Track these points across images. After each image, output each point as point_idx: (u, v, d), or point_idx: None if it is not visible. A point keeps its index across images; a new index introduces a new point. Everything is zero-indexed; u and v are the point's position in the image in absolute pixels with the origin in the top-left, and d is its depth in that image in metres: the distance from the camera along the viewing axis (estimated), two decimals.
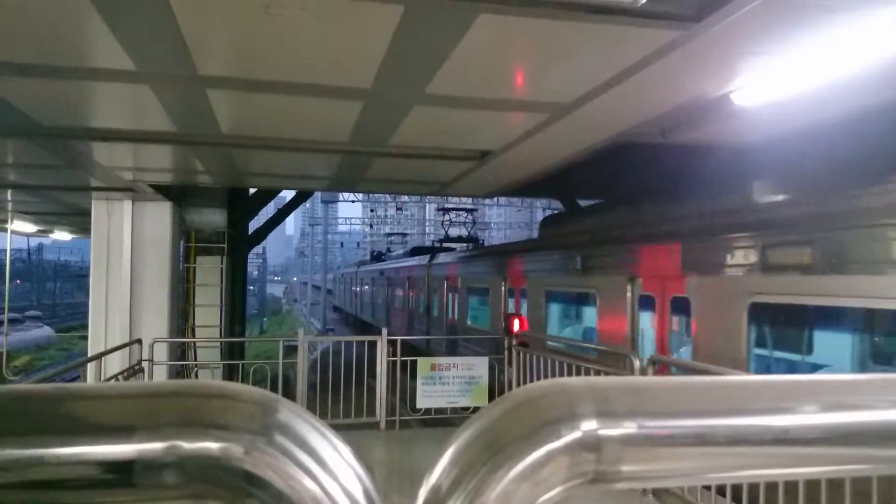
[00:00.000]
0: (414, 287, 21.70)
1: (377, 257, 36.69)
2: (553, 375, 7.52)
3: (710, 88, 5.16)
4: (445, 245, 25.75)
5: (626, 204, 10.12)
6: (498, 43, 4.35)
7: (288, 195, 17.09)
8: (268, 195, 15.31)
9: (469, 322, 15.65)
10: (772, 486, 4.68)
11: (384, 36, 4.20)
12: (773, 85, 4.89)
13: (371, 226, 59.81)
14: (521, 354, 8.68)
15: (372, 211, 57.08)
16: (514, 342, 8.95)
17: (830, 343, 5.89)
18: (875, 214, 5.26)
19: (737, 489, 5.15)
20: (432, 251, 23.31)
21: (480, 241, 28.43)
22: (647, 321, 8.40)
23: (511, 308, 13.06)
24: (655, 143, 7.19)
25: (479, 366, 8.80)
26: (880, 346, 5.50)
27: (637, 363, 6.17)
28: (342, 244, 66.63)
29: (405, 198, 45.39)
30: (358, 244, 63.16)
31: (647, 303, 8.36)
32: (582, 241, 10.41)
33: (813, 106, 5.72)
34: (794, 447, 0.60)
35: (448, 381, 8.65)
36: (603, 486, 0.58)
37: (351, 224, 60.55)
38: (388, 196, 44.84)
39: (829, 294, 5.56)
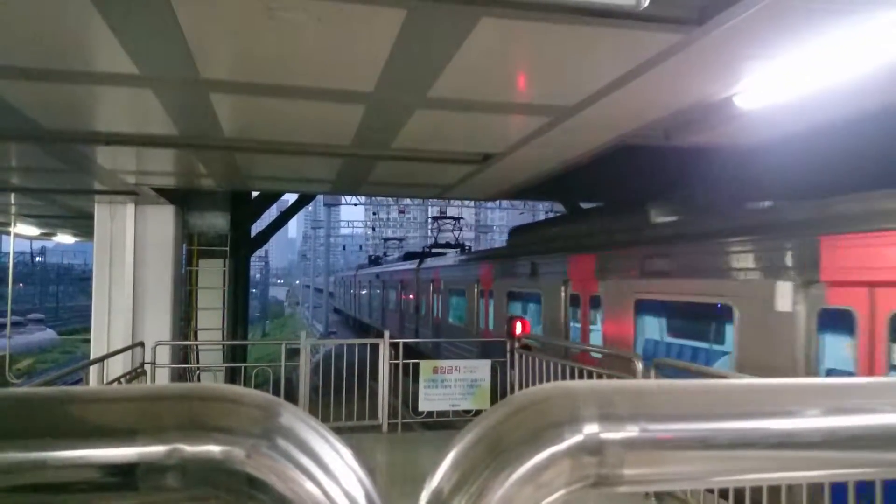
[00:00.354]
0: (405, 289, 23.78)
1: (375, 261, 38.61)
2: (556, 379, 7.52)
3: (713, 91, 5.16)
4: (434, 250, 27.47)
5: (564, 220, 13.91)
6: (500, 46, 4.36)
7: (290, 198, 17.15)
8: (270, 198, 15.32)
9: (450, 320, 17.77)
10: (775, 490, 4.67)
11: (387, 39, 4.21)
12: (775, 88, 4.89)
13: (373, 229, 59.89)
14: (524, 357, 8.67)
15: (374, 214, 57.16)
16: (517, 345, 8.94)
17: (684, 327, 8.71)
18: (695, 237, 7.63)
19: (740, 492, 5.14)
20: (421, 256, 25.30)
21: (468, 247, 30.51)
22: (575, 315, 10.71)
23: (480, 306, 15.21)
24: (659, 145, 7.19)
25: (481, 369, 8.79)
26: (712, 329, 8.17)
27: (639, 366, 6.16)
28: (344, 247, 66.68)
29: (407, 201, 45.43)
30: (360, 247, 63.25)
31: (575, 300, 10.65)
32: (534, 250, 12.58)
33: (815, 108, 5.72)
34: (797, 450, 0.60)
35: (450, 384, 8.64)
36: (605, 489, 0.58)
37: (353, 227, 60.64)
38: (390, 199, 44.91)
39: (680, 293, 7.79)
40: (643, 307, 8.70)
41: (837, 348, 5.81)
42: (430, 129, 6.59)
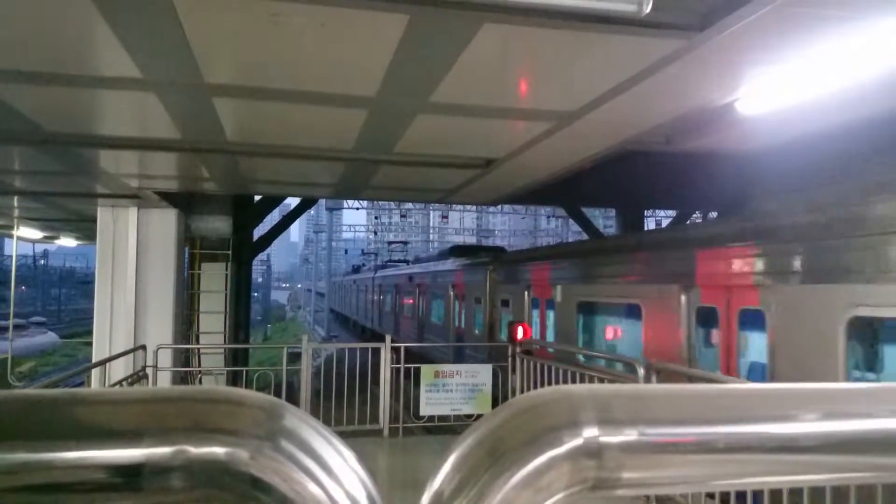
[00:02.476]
0: (367, 291, 36.93)
1: (356, 270, 50.54)
2: (557, 384, 7.49)
3: (714, 97, 5.17)
4: (388, 264, 41.40)
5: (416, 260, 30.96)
6: (502, 52, 4.37)
7: (293, 202, 17.17)
8: (273, 202, 15.33)
9: (386, 310, 29.71)
10: (776, 495, 4.66)
11: (389, 45, 4.23)
12: (776, 93, 4.89)
13: (375, 233, 60.12)
14: (526, 362, 8.67)
15: (376, 218, 57.26)
16: (518, 350, 8.94)
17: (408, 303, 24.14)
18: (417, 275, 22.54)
19: (741, 498, 5.13)
20: (377, 268, 39.27)
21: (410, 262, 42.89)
22: (398, 305, 25.49)
23: (397, 302, 26.83)
24: (660, 150, 7.20)
25: (482, 373, 8.79)
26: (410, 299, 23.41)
27: (641, 370, 6.16)
28: (346, 251, 66.74)
29: (409, 205, 45.50)
30: (362, 251, 63.53)
31: (422, 295, 21.10)
32: (410, 271, 25.25)
33: (816, 114, 5.72)
34: (795, 455, 0.60)
35: (451, 389, 8.64)
36: (603, 492, 0.58)
37: (355, 231, 60.81)
38: (392, 203, 45.06)
39: (416, 297, 22.78)
40: (427, 297, 20.37)
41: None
42: (433, 133, 6.60)
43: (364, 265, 51.44)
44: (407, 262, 38.98)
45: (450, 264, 19.20)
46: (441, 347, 17.72)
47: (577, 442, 0.56)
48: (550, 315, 11.61)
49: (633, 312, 8.87)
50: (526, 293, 12.64)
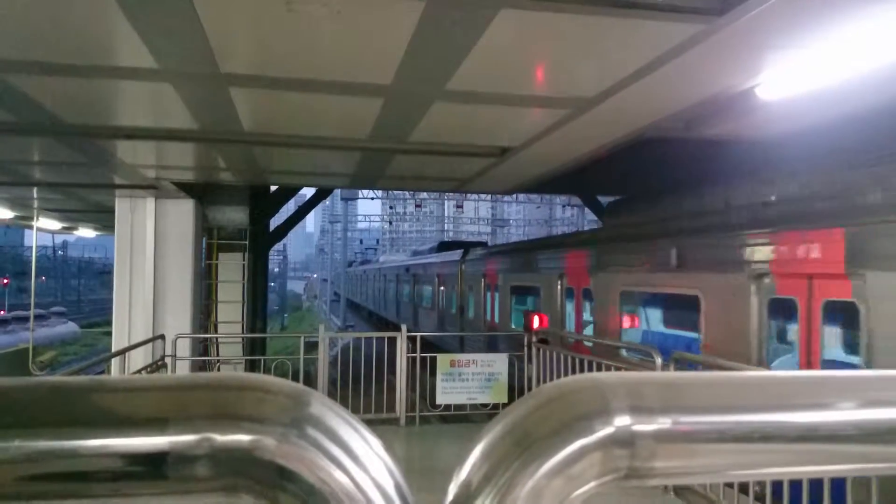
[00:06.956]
0: (355, 281, 53.42)
1: (349, 265, 62.90)
2: (572, 373, 7.49)
3: (734, 82, 5.10)
4: (363, 261, 56.89)
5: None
6: (519, 38, 4.33)
7: (308, 193, 17.24)
8: (289, 193, 15.38)
9: (368, 292, 43.60)
10: (795, 485, 4.62)
11: (405, 32, 4.20)
12: (797, 79, 4.82)
13: (390, 223, 60.32)
14: (542, 351, 8.66)
15: (391, 208, 57.38)
16: (535, 339, 8.93)
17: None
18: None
19: (760, 488, 5.09)
20: (357, 264, 56.72)
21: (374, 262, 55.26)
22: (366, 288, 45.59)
23: (373, 286, 40.70)
24: (679, 137, 7.12)
25: (498, 362, 8.79)
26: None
27: (658, 359, 6.12)
28: (361, 241, 67.18)
29: (424, 195, 45.59)
30: (377, 241, 64.11)
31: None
32: (367, 267, 47.53)
33: (838, 99, 5.63)
34: (831, 444, 0.59)
35: (467, 378, 8.65)
36: (636, 482, 0.57)
37: (370, 221, 61.11)
38: (407, 193, 45.15)
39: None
40: (368, 281, 43.70)
41: None
42: (448, 121, 6.57)
43: (355, 261, 64.63)
44: (371, 261, 54.97)
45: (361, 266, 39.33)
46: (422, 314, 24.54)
47: (608, 430, 0.55)
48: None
49: None
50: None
